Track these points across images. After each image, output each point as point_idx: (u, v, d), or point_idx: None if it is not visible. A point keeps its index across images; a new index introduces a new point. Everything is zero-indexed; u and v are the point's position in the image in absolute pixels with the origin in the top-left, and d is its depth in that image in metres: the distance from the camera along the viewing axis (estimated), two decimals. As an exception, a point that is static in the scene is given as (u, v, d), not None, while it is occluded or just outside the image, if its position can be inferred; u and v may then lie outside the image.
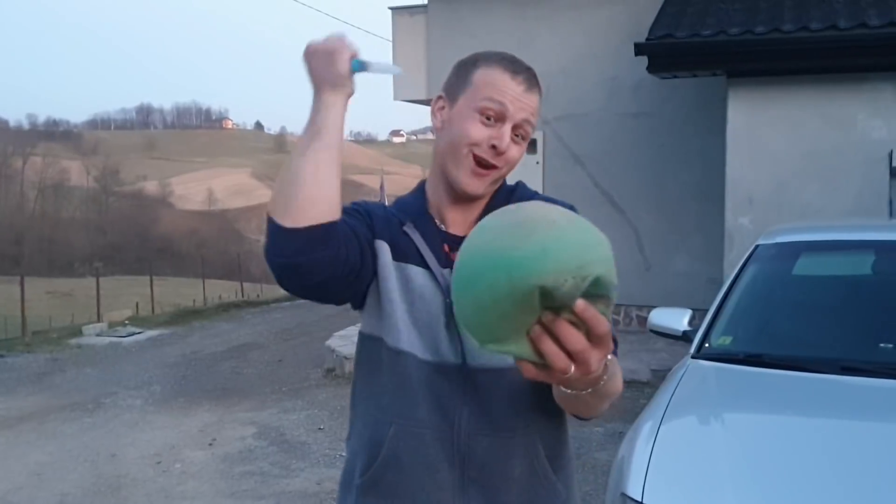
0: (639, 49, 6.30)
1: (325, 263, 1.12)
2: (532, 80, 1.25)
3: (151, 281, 18.00)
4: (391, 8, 9.11)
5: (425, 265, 1.24)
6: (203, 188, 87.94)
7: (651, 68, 6.45)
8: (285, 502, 4.19)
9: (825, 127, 6.03)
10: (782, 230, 3.70)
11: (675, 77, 6.93)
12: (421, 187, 1.34)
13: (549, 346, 0.86)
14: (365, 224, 1.25)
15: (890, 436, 2.29)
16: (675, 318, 3.29)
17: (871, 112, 5.93)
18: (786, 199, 6.08)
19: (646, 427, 2.38)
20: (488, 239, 0.87)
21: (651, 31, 6.37)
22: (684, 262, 7.76)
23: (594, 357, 0.88)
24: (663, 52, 6.30)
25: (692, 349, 2.99)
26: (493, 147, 1.21)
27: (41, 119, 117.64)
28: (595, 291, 0.84)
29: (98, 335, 9.89)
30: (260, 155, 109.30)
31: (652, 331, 3.41)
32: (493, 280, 0.83)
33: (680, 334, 3.23)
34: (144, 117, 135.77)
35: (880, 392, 2.56)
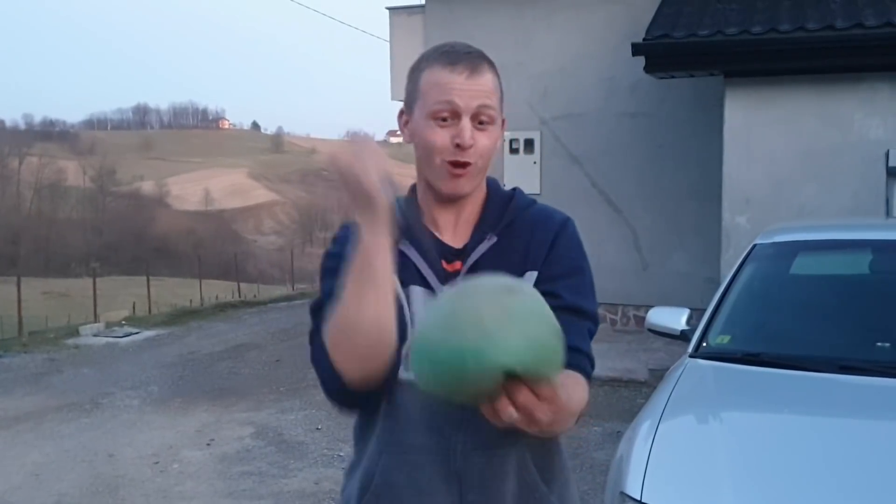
0: (636, 49, 6.31)
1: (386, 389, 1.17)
2: (474, 62, 1.20)
3: (148, 281, 17.97)
4: (388, 8, 9.12)
5: (426, 284, 1.22)
6: (200, 188, 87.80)
7: (648, 68, 6.46)
8: (283, 502, 4.19)
9: (822, 126, 6.05)
10: (780, 229, 3.70)
11: (673, 77, 6.95)
12: (414, 191, 1.32)
13: (502, 403, 0.93)
14: None
15: (887, 434, 2.29)
16: (673, 318, 3.30)
17: (868, 111, 5.94)
18: (783, 199, 6.09)
19: (644, 426, 2.39)
20: (448, 326, 0.93)
21: (648, 31, 6.38)
22: (681, 261, 7.78)
23: (540, 411, 0.94)
24: (660, 52, 6.31)
25: (690, 348, 2.99)
26: (458, 145, 1.18)
27: (37, 119, 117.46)
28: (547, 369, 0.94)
29: (95, 335, 9.86)
30: (256, 155, 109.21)
31: (650, 330, 3.42)
32: (456, 369, 0.91)
33: (678, 333, 3.24)
34: (141, 117, 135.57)
35: (878, 391, 2.57)
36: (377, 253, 1.08)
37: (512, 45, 8.11)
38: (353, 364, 1.12)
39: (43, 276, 38.88)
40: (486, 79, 1.21)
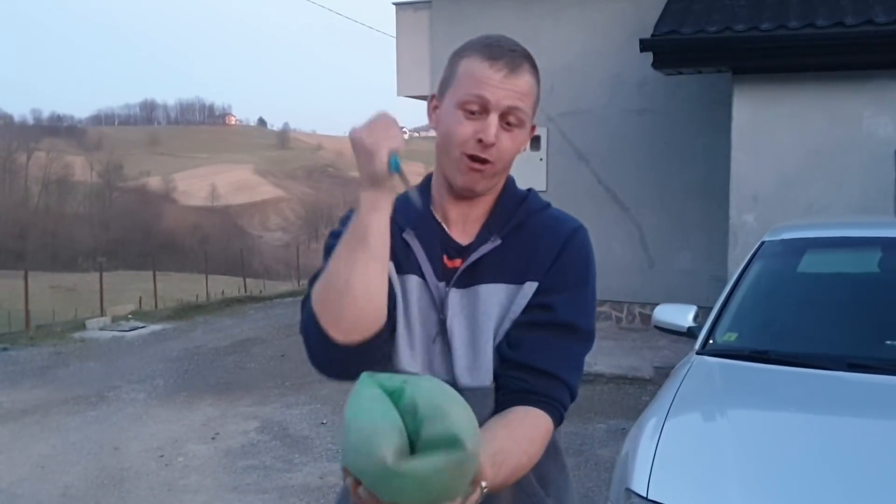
0: (644, 45, 6.28)
1: (377, 358, 1.12)
2: (515, 61, 1.17)
3: (154, 276, 18.05)
4: (395, 3, 9.10)
5: (423, 276, 1.21)
6: (206, 184, 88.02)
7: (656, 65, 6.43)
8: (288, 496, 4.19)
9: (831, 124, 6.01)
10: (787, 227, 3.69)
11: (680, 73, 6.92)
12: (427, 182, 1.30)
13: None
14: None
15: (894, 433, 2.28)
16: (680, 315, 3.28)
17: (877, 109, 5.91)
18: (791, 197, 6.06)
19: (650, 423, 2.38)
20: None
21: (656, 27, 6.35)
22: (688, 259, 7.75)
23: None
24: (668, 49, 6.28)
25: (697, 345, 2.98)
26: (480, 141, 1.15)
27: (45, 114, 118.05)
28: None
29: (101, 329, 9.90)
30: (263, 151, 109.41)
31: (656, 327, 3.41)
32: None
33: (685, 330, 3.23)
34: (148, 113, 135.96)
35: (886, 389, 2.55)
36: (374, 223, 1.07)
37: (519, 42, 8.08)
38: (339, 326, 1.09)
39: (50, 271, 39.06)
40: (524, 80, 1.18)
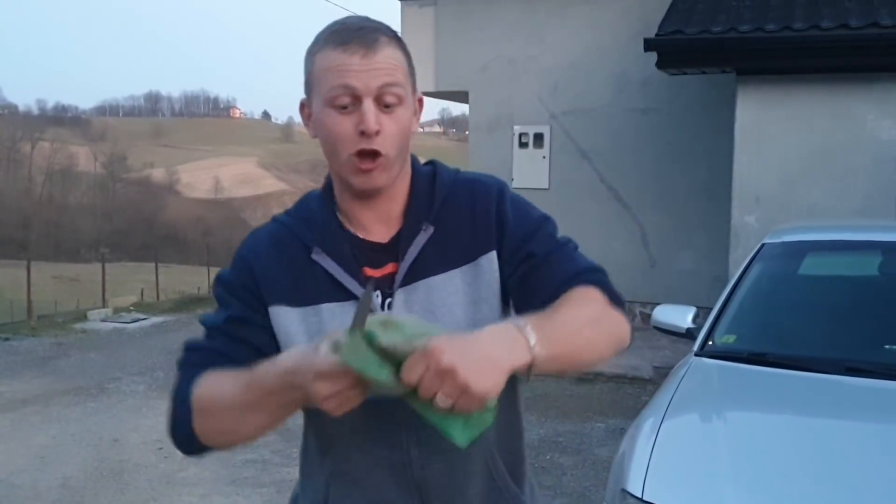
0: (648, 44, 6.26)
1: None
2: (368, 38, 1.04)
3: (157, 268, 18.08)
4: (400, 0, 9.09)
5: (343, 295, 1.09)
6: (209, 176, 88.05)
7: (660, 64, 6.41)
8: (286, 491, 4.20)
9: (834, 126, 6.00)
10: (789, 229, 3.69)
11: (684, 73, 6.90)
12: (328, 185, 1.17)
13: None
14: (251, 308, 1.11)
15: (892, 437, 2.28)
16: (680, 316, 3.28)
17: (881, 112, 5.89)
18: (793, 199, 6.05)
19: (647, 423, 2.38)
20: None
21: (661, 26, 6.34)
22: (689, 259, 7.75)
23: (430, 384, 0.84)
24: (673, 48, 6.27)
25: (696, 346, 2.98)
26: (363, 133, 1.04)
27: (50, 104, 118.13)
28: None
29: (103, 321, 9.93)
30: (267, 144, 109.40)
31: (656, 328, 3.41)
32: None
33: (684, 331, 3.23)
34: (152, 104, 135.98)
35: (884, 394, 2.55)
36: (292, 402, 0.98)
37: (523, 39, 8.08)
38: (217, 442, 1.08)
39: (53, 261, 39.13)
40: (386, 54, 1.05)
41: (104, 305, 11.81)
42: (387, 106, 1.05)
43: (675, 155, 7.78)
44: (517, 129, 8.26)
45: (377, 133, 1.04)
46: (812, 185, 6.04)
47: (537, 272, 1.12)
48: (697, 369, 2.80)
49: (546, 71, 8.07)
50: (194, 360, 1.12)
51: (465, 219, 1.13)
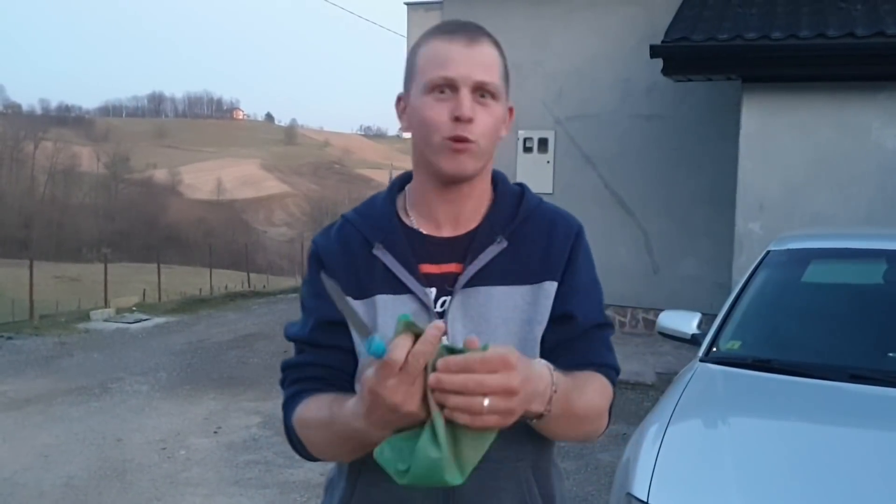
0: (654, 51, 6.28)
1: None
2: (473, 33, 1.10)
3: (159, 268, 18.09)
4: (406, 3, 9.12)
5: (399, 289, 1.11)
6: (212, 178, 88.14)
7: (666, 71, 6.43)
8: (289, 492, 4.21)
9: (839, 134, 6.01)
10: (793, 237, 3.69)
11: (690, 80, 6.92)
12: (394, 185, 1.22)
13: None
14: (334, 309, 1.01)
15: (894, 445, 2.29)
16: (685, 321, 3.29)
17: (887, 121, 5.90)
18: (797, 206, 6.06)
19: (652, 428, 2.39)
20: None
21: (667, 33, 6.35)
22: (692, 265, 7.75)
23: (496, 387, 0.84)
24: (679, 55, 6.29)
25: (701, 352, 2.99)
26: (457, 119, 1.06)
27: (53, 104, 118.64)
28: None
29: (105, 321, 9.93)
30: (269, 146, 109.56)
31: (660, 333, 3.42)
32: None
33: (689, 337, 3.24)
34: (156, 105, 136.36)
35: (888, 401, 2.56)
36: (375, 437, 0.95)
37: (529, 44, 8.10)
38: (327, 457, 1.15)
39: (55, 261, 39.16)
40: (486, 51, 1.10)
41: (106, 306, 11.82)
42: (482, 97, 1.09)
43: (679, 161, 7.79)
44: (522, 133, 8.28)
45: (470, 121, 1.07)
46: (816, 193, 6.05)
47: (571, 338, 1.15)
48: (702, 375, 2.81)
49: (551, 76, 8.09)
50: (293, 378, 1.18)
51: (539, 243, 1.16)
